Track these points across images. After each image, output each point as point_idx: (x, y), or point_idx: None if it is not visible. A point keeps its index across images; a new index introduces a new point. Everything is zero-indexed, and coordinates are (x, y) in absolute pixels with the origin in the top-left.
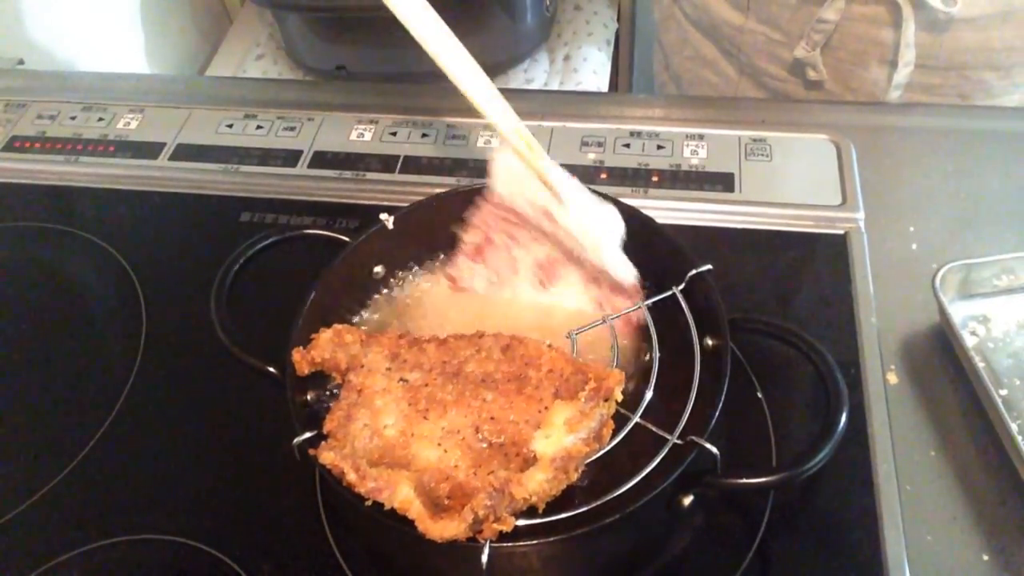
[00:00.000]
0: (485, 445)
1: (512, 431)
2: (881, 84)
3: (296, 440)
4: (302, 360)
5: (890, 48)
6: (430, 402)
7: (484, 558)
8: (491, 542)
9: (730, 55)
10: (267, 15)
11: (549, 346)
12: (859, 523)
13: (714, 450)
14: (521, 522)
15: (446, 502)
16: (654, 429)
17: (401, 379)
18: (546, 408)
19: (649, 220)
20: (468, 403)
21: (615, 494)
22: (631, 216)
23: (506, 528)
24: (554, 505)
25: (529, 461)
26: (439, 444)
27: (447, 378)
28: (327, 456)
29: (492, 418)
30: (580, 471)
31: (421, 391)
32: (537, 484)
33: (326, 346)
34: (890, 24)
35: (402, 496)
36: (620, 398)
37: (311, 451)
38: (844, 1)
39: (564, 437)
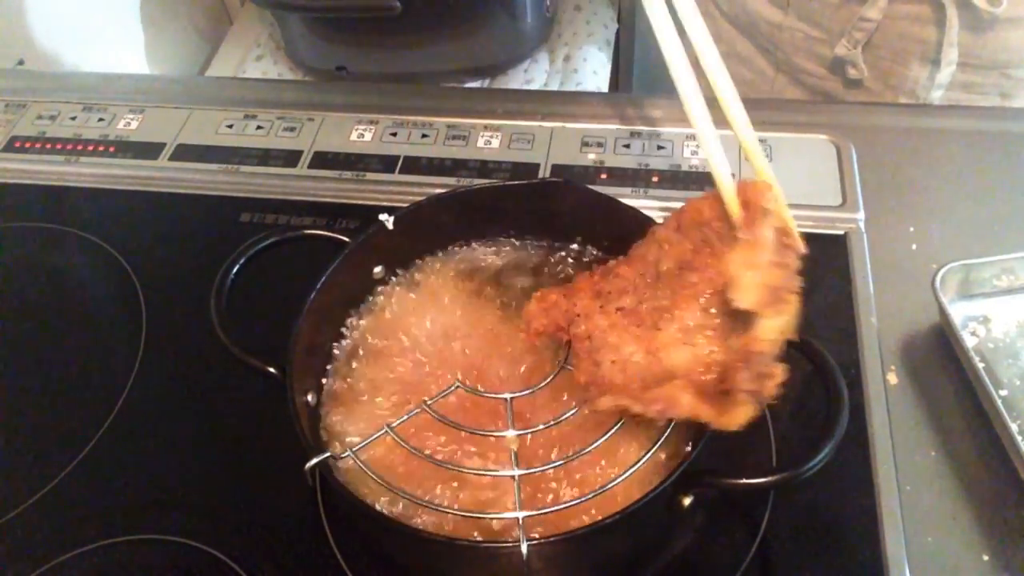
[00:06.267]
0: (719, 320)
1: (724, 296)
2: (922, 82)
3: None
4: (533, 337)
5: (932, 46)
6: (654, 314)
7: (523, 552)
8: (487, 541)
9: (767, 52)
10: (267, 15)
11: (701, 195)
12: (859, 523)
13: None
14: (521, 520)
15: (723, 386)
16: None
17: (617, 309)
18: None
19: (649, 221)
20: (683, 294)
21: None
22: (631, 217)
23: (779, 378)
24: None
25: (749, 314)
26: (683, 344)
27: (653, 287)
28: (605, 401)
29: (710, 292)
30: (796, 291)
31: (640, 310)
32: (768, 329)
33: (539, 316)
34: (933, 23)
35: (686, 404)
36: (775, 203)
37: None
38: (887, 0)
39: (753, 275)
